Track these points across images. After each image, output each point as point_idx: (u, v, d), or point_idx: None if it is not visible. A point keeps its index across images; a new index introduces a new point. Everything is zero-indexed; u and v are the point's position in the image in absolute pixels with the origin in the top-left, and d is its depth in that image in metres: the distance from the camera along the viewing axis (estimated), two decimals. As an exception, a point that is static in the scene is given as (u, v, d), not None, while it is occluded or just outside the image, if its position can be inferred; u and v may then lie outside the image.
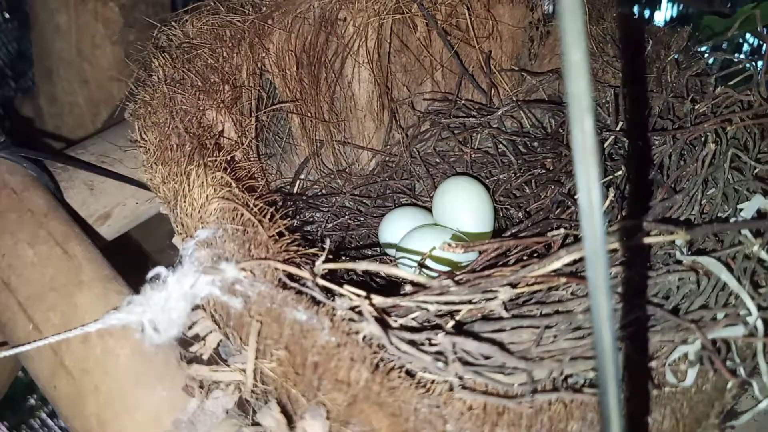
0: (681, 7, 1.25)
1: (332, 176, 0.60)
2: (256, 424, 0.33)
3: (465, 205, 0.52)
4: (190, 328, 0.35)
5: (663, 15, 1.41)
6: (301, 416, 0.31)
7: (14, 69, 1.07)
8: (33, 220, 0.42)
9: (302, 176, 0.59)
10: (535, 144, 0.56)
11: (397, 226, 0.53)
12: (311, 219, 0.57)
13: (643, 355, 0.29)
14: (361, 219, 0.58)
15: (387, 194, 0.60)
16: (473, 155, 0.59)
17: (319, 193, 0.59)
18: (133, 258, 0.79)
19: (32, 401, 1.16)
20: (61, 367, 0.36)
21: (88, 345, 0.36)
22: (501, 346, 0.31)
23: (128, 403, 0.34)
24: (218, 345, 0.36)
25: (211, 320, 0.35)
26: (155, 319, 0.34)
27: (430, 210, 0.55)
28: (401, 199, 0.60)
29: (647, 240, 0.34)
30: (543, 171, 0.53)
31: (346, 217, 0.57)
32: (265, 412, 0.32)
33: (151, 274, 0.35)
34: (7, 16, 1.11)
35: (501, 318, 0.33)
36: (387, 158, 0.62)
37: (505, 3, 0.54)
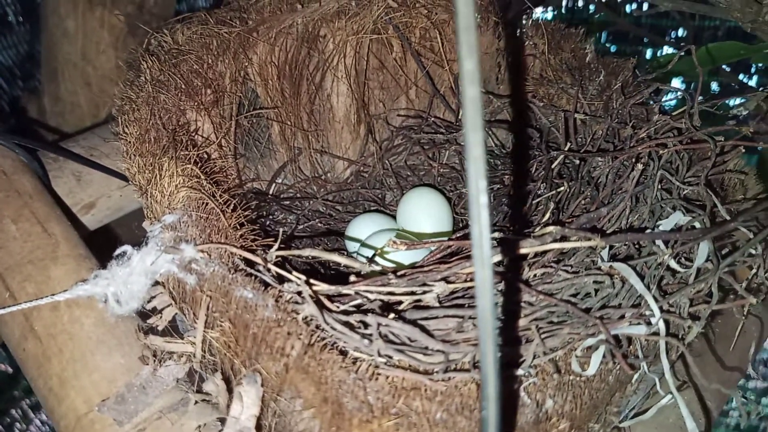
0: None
1: (308, 182, 0.64)
2: (201, 392, 0.37)
3: (426, 213, 0.55)
4: (149, 301, 0.38)
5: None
6: (238, 382, 0.34)
7: (23, 69, 1.12)
8: (19, 199, 0.46)
9: (279, 180, 0.63)
10: (497, 162, 0.60)
11: (362, 229, 0.56)
12: (284, 220, 0.61)
13: (516, 345, 0.33)
14: (331, 223, 0.62)
15: (358, 201, 0.64)
16: (441, 170, 0.63)
17: (294, 197, 0.63)
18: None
19: (15, 393, 1.19)
20: (31, 331, 0.39)
21: (57, 313, 0.39)
22: (422, 328, 0.34)
23: (88, 366, 0.37)
24: (174, 319, 0.39)
25: (168, 295, 0.38)
26: (118, 291, 0.37)
27: (395, 217, 0.59)
28: (371, 207, 0.64)
29: (565, 245, 0.37)
30: (500, 186, 0.56)
31: (317, 220, 0.61)
32: (209, 381, 0.36)
33: (117, 251, 0.38)
34: (20, 19, 1.16)
35: (429, 307, 0.37)
36: (361, 168, 0.66)
37: (473, 29, 0.58)
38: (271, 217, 0.60)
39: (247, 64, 0.56)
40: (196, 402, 0.36)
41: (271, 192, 0.62)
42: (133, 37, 0.87)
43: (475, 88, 0.23)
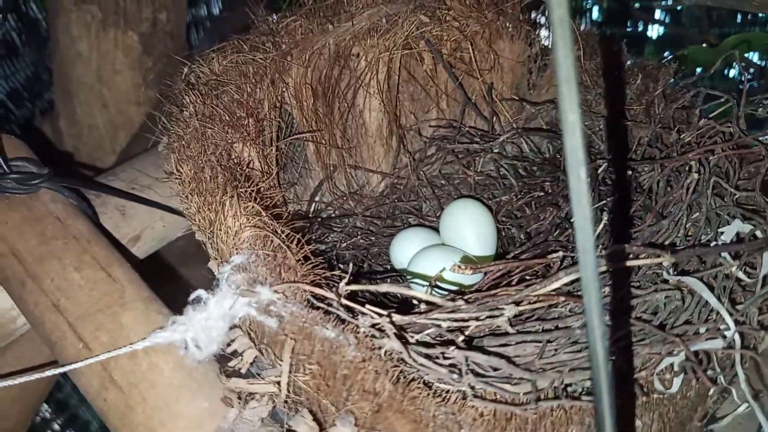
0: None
1: (344, 198, 0.65)
2: (290, 430, 0.37)
3: (470, 227, 0.56)
4: (228, 345, 0.39)
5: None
6: (332, 423, 0.35)
7: (31, 90, 1.11)
8: (77, 245, 0.46)
9: (317, 199, 0.63)
10: (534, 168, 0.60)
11: (407, 246, 0.57)
12: (326, 239, 0.61)
13: (630, 365, 0.33)
14: (373, 238, 0.62)
15: (396, 215, 0.64)
16: (476, 178, 0.63)
17: (333, 215, 0.63)
18: (158, 269, 0.83)
19: (47, 414, 1.19)
20: (111, 381, 0.39)
21: (135, 360, 0.40)
22: (508, 359, 0.35)
23: (173, 413, 0.38)
24: (254, 360, 0.39)
25: (247, 338, 0.39)
26: (197, 337, 0.38)
27: (436, 230, 0.59)
28: (409, 219, 0.64)
29: (636, 263, 0.38)
30: (542, 194, 0.57)
31: (359, 236, 0.61)
32: (299, 420, 0.36)
33: (192, 296, 0.39)
34: (23, 38, 1.15)
35: (507, 333, 0.37)
36: (396, 181, 0.66)
37: (505, 39, 0.58)
38: (314, 237, 0.60)
39: (283, 89, 0.56)
40: (288, 441, 0.37)
41: (311, 212, 0.62)
42: (148, 56, 0.87)
43: (578, 137, 0.23)
